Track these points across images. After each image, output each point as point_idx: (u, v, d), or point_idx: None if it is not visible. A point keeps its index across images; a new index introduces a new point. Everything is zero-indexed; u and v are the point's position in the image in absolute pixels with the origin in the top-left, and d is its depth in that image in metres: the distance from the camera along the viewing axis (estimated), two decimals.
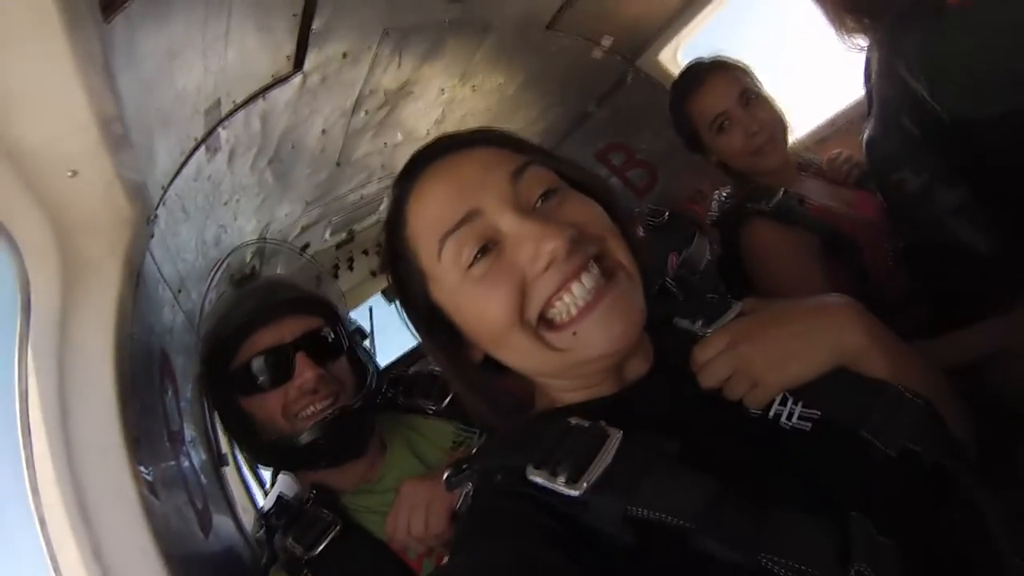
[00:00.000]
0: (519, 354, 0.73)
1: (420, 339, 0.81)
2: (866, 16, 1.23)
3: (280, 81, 1.45)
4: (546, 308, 0.70)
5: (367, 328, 3.04)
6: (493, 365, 0.79)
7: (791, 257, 1.48)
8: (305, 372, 1.18)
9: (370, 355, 2.25)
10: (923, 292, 1.38)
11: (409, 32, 1.73)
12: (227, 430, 1.26)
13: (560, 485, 0.62)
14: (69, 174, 0.85)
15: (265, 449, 1.23)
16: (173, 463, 1.18)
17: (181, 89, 1.17)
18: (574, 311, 0.69)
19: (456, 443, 1.35)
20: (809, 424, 0.69)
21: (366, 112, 1.96)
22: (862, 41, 1.28)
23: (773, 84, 1.66)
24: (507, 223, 0.69)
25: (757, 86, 1.63)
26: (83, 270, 0.94)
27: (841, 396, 0.70)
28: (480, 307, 0.71)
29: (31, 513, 0.80)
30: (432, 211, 0.73)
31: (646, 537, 0.59)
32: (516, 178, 0.72)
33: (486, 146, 0.77)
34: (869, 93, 1.35)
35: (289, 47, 1.41)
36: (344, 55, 1.61)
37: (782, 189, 1.52)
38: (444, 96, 2.15)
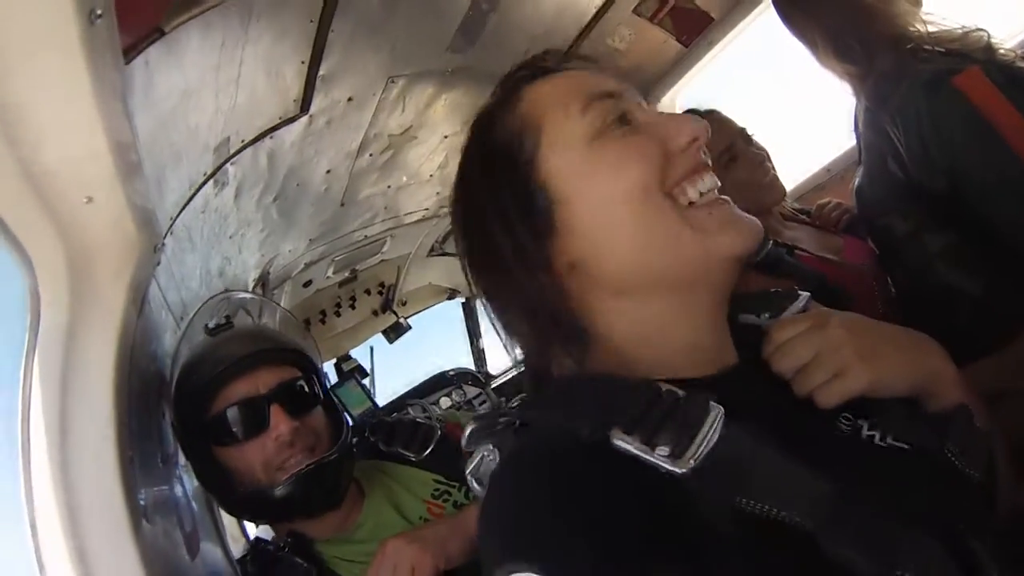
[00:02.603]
0: (642, 231, 0.64)
1: (503, 230, 0.69)
2: (852, 66, 1.29)
3: (287, 122, 1.53)
4: (678, 190, 0.65)
5: (367, 367, 3.07)
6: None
7: None
8: (280, 425, 1.17)
9: (368, 393, 2.26)
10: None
11: (413, 79, 1.81)
12: (201, 481, 1.24)
13: (660, 459, 0.51)
14: (85, 200, 0.90)
15: (240, 501, 1.22)
16: (166, 486, 1.20)
17: (193, 127, 1.25)
18: (705, 201, 0.65)
19: (435, 494, 1.34)
20: (908, 445, 0.62)
21: (370, 155, 2.03)
22: (850, 88, 1.34)
23: (770, 133, 1.67)
24: (645, 113, 0.69)
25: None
26: (91, 291, 0.98)
27: (915, 422, 0.65)
28: (620, 163, 0.65)
29: (24, 519, 0.82)
30: (572, 83, 0.71)
31: (752, 532, 0.49)
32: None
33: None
34: (859, 141, 1.41)
35: (296, 91, 1.50)
36: (350, 99, 1.69)
37: (771, 240, 1.49)
38: (447, 141, 2.24)
